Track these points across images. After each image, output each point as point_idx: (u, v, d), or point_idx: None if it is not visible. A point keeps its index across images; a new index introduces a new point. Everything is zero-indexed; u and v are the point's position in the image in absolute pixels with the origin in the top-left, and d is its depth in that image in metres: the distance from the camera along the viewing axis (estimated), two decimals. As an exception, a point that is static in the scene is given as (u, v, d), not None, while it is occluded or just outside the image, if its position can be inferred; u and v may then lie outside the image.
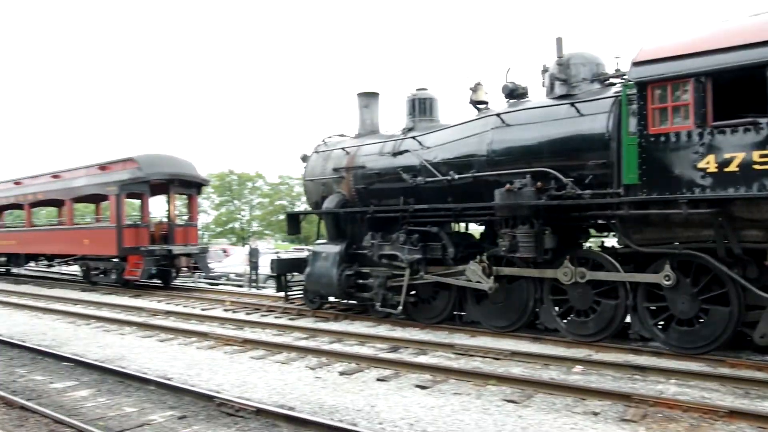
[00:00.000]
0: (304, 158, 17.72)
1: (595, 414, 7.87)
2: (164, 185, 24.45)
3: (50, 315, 17.55)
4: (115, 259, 23.68)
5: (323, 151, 17.12)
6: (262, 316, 16.43)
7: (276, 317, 16.13)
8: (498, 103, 14.13)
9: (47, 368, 10.98)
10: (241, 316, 16.45)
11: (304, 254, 18.39)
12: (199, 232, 26.06)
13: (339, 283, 15.45)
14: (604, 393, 8.44)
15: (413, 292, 14.61)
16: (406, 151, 14.69)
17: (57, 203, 30.31)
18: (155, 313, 17.22)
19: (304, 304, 17.12)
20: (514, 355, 10.75)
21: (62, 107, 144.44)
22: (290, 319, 15.74)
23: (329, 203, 16.12)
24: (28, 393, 9.30)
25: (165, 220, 25.19)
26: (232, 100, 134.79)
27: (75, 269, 30.37)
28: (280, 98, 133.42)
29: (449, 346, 11.54)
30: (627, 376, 9.49)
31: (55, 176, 26.91)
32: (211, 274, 27.34)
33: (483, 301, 13.52)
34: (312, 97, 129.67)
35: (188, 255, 23.50)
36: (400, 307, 14.39)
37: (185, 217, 26.04)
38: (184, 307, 18.67)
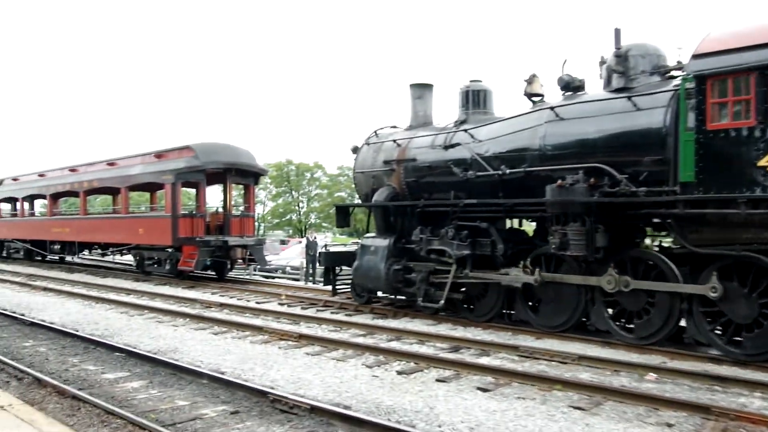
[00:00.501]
0: (355, 150, 17.92)
1: (670, 426, 7.71)
2: (221, 174, 24.89)
3: (103, 304, 18.10)
4: (169, 249, 24.24)
5: (374, 143, 17.29)
6: (318, 311, 16.61)
7: (332, 313, 16.29)
8: (553, 96, 14.04)
9: (99, 358, 11.33)
10: (297, 310, 16.66)
11: (354, 248, 18.62)
12: (256, 224, 26.43)
13: (387, 278, 15.67)
14: (680, 403, 8.26)
15: (463, 289, 14.76)
16: (458, 144, 14.76)
17: (112, 191, 31.20)
18: (209, 305, 17.58)
19: (351, 298, 17.42)
20: (582, 359, 10.63)
21: (122, 95, 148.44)
22: (347, 315, 15.89)
23: (379, 196, 16.31)
24: (80, 382, 9.62)
25: (221, 210, 25.67)
26: (292, 89, 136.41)
27: (128, 259, 31.21)
28: (340, 88, 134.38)
29: (513, 348, 11.48)
30: (705, 387, 9.27)
31: (111, 164, 27.65)
32: (266, 267, 27.76)
33: (532, 299, 13.57)
34: (372, 87, 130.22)
35: (244, 246, 23.90)
36: (442, 302, 14.56)
37: (241, 208, 26.48)
38: (239, 299, 18.99)
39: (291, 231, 74.03)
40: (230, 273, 25.65)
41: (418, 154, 15.70)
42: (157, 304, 17.95)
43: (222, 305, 17.35)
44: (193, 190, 26.47)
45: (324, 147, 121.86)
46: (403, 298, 16.34)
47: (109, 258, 34.50)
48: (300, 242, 39.44)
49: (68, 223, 30.54)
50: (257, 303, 18.13)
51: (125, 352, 11.48)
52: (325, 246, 19.57)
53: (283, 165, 74.71)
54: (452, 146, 14.87)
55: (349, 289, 17.92)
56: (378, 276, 15.80)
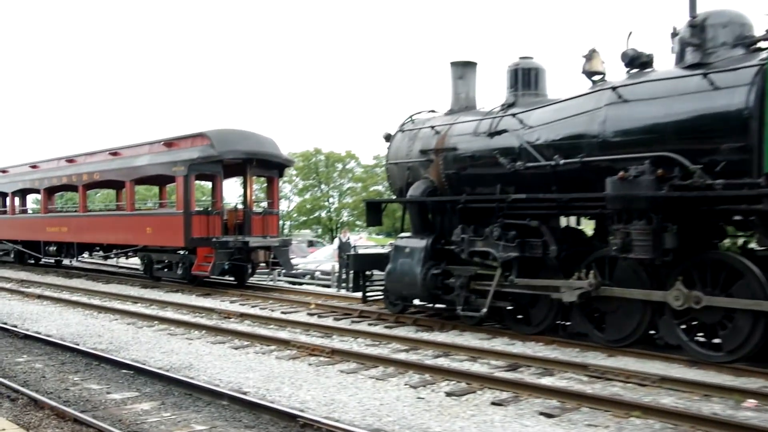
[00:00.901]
0: (388, 138, 18.06)
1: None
2: (240, 166, 25.16)
3: (107, 314, 18.40)
4: (181, 252, 24.59)
5: (409, 130, 17.40)
6: (353, 322, 16.71)
7: (369, 324, 16.37)
8: (616, 74, 13.94)
9: (104, 376, 11.50)
10: (329, 322, 16.77)
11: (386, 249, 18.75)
12: (280, 222, 26.62)
13: (423, 284, 15.80)
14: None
15: (510, 297, 14.83)
16: (505, 130, 14.76)
17: (115, 185, 31.66)
18: (228, 315, 17.78)
19: (384, 307, 17.59)
20: (664, 381, 10.52)
21: (128, 80, 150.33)
22: (387, 327, 15.95)
23: (414, 191, 16.40)
24: (83, 404, 9.76)
25: (240, 206, 25.90)
26: (319, 70, 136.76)
27: (135, 262, 31.69)
28: (375, 69, 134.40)
29: (581, 367, 11.42)
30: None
31: (114, 154, 28.07)
32: (293, 272, 27.96)
33: (590, 309, 13.52)
34: (411, 67, 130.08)
35: (267, 248, 24.09)
36: (484, 310, 14.64)
37: (264, 204, 26.69)
38: (262, 309, 19.18)
39: (320, 230, 74.36)
40: (251, 279, 25.91)
41: (459, 143, 15.77)
42: (169, 314, 18.20)
43: (242, 315, 17.53)
44: (208, 184, 26.82)
45: (357, 134, 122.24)
46: (443, 306, 16.45)
47: (113, 261, 34.97)
48: (324, 243, 39.58)
49: (65, 222, 31.09)
50: (283, 313, 18.30)
51: (133, 369, 11.65)
52: (354, 247, 19.69)
53: (310, 155, 74.88)
54: (498, 133, 14.89)
55: (381, 297, 18.11)
56: (414, 281, 15.93)
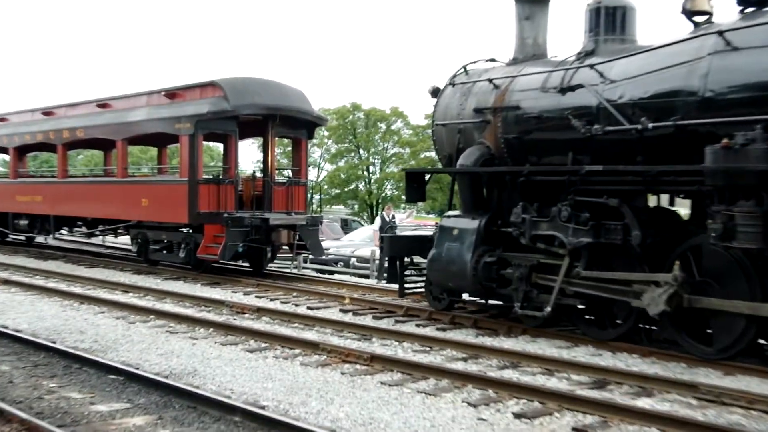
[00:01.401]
0: (435, 93, 18.13)
1: None
2: (260, 124, 25.28)
3: (90, 306, 18.59)
4: (184, 230, 24.78)
5: (462, 84, 17.43)
6: (398, 322, 16.74)
7: (418, 325, 16.38)
8: (726, 14, 13.64)
9: (87, 382, 11.56)
10: (367, 320, 16.83)
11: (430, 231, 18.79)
12: (308, 195, 26.67)
13: (474, 274, 15.89)
14: None
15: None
16: (580, 86, 14.70)
17: (103, 145, 31.90)
18: (241, 309, 17.88)
19: (425, 302, 17.82)
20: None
21: (121, 20, 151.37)
22: (439, 329, 15.94)
23: (466, 159, 16.45)
24: (60, 416, 9.78)
25: (259, 174, 25.95)
26: (358, 6, 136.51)
27: (126, 241, 31.92)
28: (429, 6, 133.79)
29: (689, 387, 11.27)
30: None
31: (103, 105, 28.27)
32: (323, 257, 28.01)
33: (682, 312, 13.33)
34: (470, 6, 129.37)
35: (291, 227, 24.18)
36: (548, 309, 14.67)
37: (288, 172, 26.73)
38: (283, 303, 19.28)
39: (357, 207, 74.48)
40: (271, 265, 26.00)
41: (522, 100, 15.79)
42: (168, 307, 18.36)
43: (259, 311, 17.62)
44: (219, 146, 26.90)
45: (406, 87, 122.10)
46: (499, 303, 16.60)
47: (99, 240, 35.30)
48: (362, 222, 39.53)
49: (40, 189, 31.42)
50: (310, 309, 18.38)
51: (124, 375, 11.70)
52: (390, 227, 19.69)
53: (347, 112, 74.64)
54: (572, 89, 14.85)
55: (422, 289, 18.27)
56: (462, 271, 16.03)
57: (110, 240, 35.44)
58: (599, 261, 14.32)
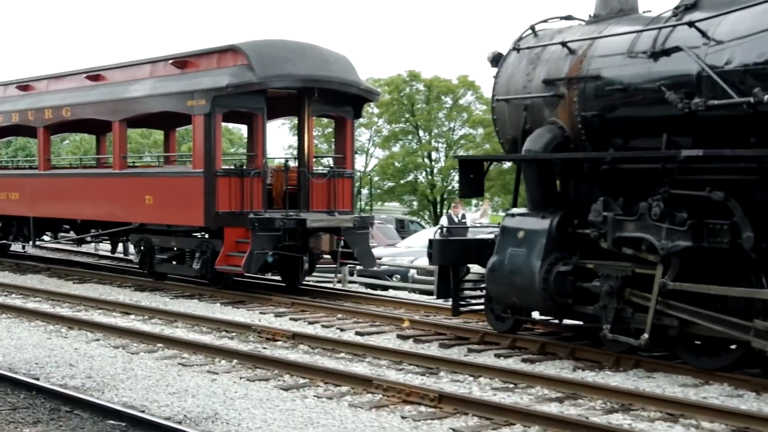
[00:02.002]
0: (496, 60, 18.20)
1: None
2: (293, 99, 25.38)
3: (82, 332, 18.69)
4: (199, 234, 24.97)
5: (529, 48, 17.51)
6: (472, 351, 16.71)
7: (498, 354, 16.35)
8: None
9: (79, 429, 11.66)
10: (433, 349, 16.84)
11: (488, 233, 18.82)
12: (355, 189, 26.67)
13: (544, 288, 15.89)
14: None
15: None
16: (677, 48, 14.60)
17: (96, 127, 32.19)
18: (272, 336, 17.92)
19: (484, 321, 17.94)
20: None
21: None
22: (525, 360, 15.91)
23: (534, 143, 16.52)
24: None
25: (293, 164, 26.04)
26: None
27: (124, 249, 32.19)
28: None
29: None
30: None
31: (95, 77, 28.46)
32: (374, 269, 27.98)
33: None
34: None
35: (334, 231, 24.24)
36: (645, 336, 14.49)
37: (329, 161, 26.76)
38: (325, 327, 19.36)
39: (416, 203, 74.40)
40: (309, 278, 26.09)
41: (604, 67, 15.79)
42: (179, 332, 18.48)
43: (295, 337, 17.65)
44: (242, 128, 27.01)
45: (477, 50, 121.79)
46: (576, 323, 16.65)
47: (90, 248, 35.60)
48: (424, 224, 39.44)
49: (16, 185, 31.66)
50: (359, 334, 18.44)
51: (126, 419, 11.75)
52: (441, 228, 19.66)
53: (403, 82, 74.54)
54: (666, 52, 14.78)
55: (482, 307, 18.39)
56: (529, 284, 16.06)
57: (105, 248, 35.73)
58: (699, 270, 14.27)
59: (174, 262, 25.94)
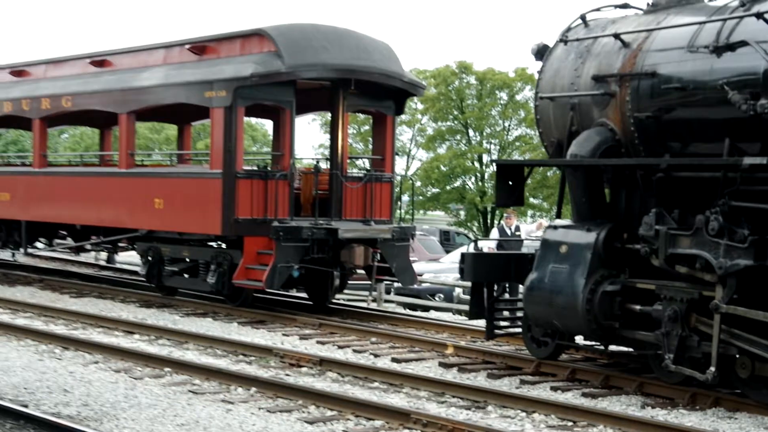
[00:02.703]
0: (541, 53, 18.35)
1: None
2: (326, 92, 25.50)
3: (79, 353, 18.76)
4: (215, 244, 25.06)
5: (577, 41, 17.58)
6: (525, 383, 16.69)
7: (554, 387, 16.30)
8: None
9: (76, 462, 11.76)
10: (480, 380, 16.84)
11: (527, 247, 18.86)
12: (395, 195, 26.69)
13: (588, 309, 15.96)
14: None
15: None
16: (743, 43, 14.61)
17: (100, 120, 32.36)
18: (297, 361, 17.94)
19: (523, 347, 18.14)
20: None
21: None
22: (586, 394, 15.87)
23: (581, 147, 16.56)
24: None
25: (325, 166, 26.09)
26: None
27: (130, 259, 32.32)
28: None
29: None
30: None
31: (99, 63, 28.65)
32: (415, 287, 27.91)
33: None
34: None
35: (370, 242, 24.28)
36: (712, 369, 14.42)
37: (366, 162, 26.77)
38: (358, 352, 19.39)
39: (464, 213, 74.35)
40: (340, 296, 26.11)
41: (662, 63, 15.82)
42: (191, 356, 18.55)
43: (323, 363, 17.67)
44: (267, 124, 27.05)
45: (536, 38, 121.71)
46: (627, 350, 16.73)
47: (90, 257, 35.72)
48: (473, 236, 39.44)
49: (7, 184, 31.76)
50: (395, 361, 18.45)
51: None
52: (475, 241, 19.69)
53: (451, 74, 74.44)
54: (731, 47, 14.78)
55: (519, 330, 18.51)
56: (572, 304, 16.15)
57: (104, 257, 35.86)
58: (762, 293, 14.28)
59: (186, 275, 25.99)
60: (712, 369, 14.45)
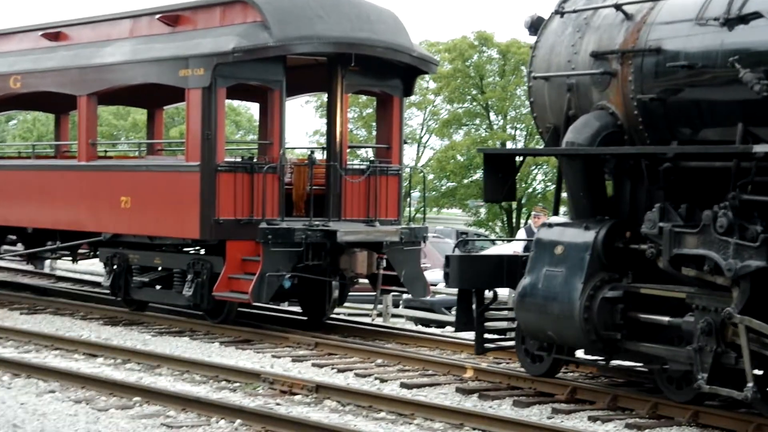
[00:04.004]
0: (535, 27, 18.57)
1: None
2: (322, 69, 25.59)
3: (32, 380, 18.72)
4: (193, 249, 25.14)
5: (576, 12, 17.72)
6: (557, 412, 16.67)
7: (592, 417, 16.25)
8: None
9: None
10: (504, 408, 16.86)
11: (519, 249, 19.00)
12: (403, 190, 26.75)
13: (586, 319, 16.12)
14: None
15: None
16: (757, 15, 14.69)
17: (55, 103, 32.40)
18: (289, 386, 17.94)
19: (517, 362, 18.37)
20: None
21: None
22: (629, 425, 15.78)
23: (578, 133, 16.75)
24: None
25: (320, 156, 26.13)
26: None
27: (91, 268, 32.37)
28: None
29: None
30: None
31: (54, 36, 28.72)
32: (427, 298, 27.90)
33: None
34: None
35: (375, 247, 24.34)
36: (750, 386, 14.41)
37: (369, 152, 26.81)
38: (360, 377, 19.43)
39: (485, 210, 74.41)
40: (339, 309, 26.13)
41: (667, 38, 15.99)
42: (164, 382, 18.57)
43: (319, 390, 17.66)
44: (252, 107, 27.10)
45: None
46: (632, 365, 17.10)
47: (45, 266, 35.76)
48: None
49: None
50: (405, 386, 18.49)
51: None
52: (463, 239, 19.77)
53: (469, 47, 74.59)
54: (742, 19, 14.85)
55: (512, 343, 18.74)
56: (568, 313, 16.33)
57: (64, 265, 35.92)
58: None
59: (158, 287, 26.07)
60: (750, 385, 14.40)
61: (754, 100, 14.41)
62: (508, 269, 18.58)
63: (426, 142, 77.45)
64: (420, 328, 27.21)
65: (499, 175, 18.71)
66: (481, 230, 60.06)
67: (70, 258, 30.59)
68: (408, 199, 25.65)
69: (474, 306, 19.12)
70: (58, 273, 36.51)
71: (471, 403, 17.22)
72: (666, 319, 15.78)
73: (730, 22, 14.92)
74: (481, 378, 19.16)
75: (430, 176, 72.96)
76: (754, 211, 14.37)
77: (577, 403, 17.26)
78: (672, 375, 15.85)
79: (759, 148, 14.13)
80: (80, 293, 31.19)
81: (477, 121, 75.55)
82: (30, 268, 36.19)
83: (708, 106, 15.45)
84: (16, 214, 29.13)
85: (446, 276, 19.03)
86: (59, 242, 28.63)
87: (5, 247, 31.80)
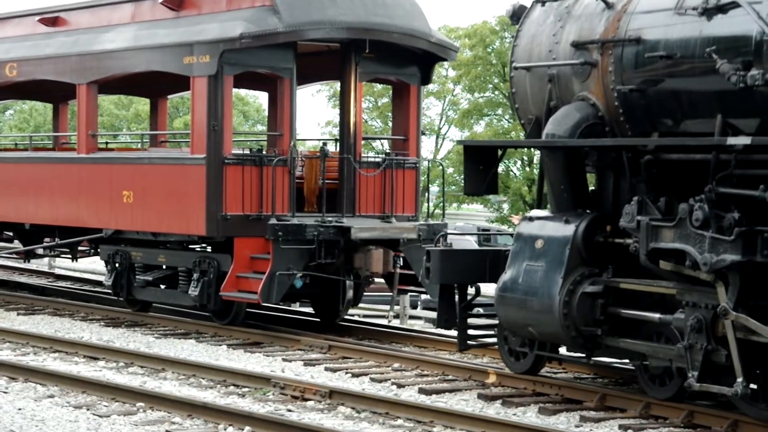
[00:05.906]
0: (517, 16, 18.66)
1: None
2: (335, 57, 25.57)
3: (29, 385, 18.70)
4: (199, 247, 25.14)
5: (557, 1, 17.89)
6: (585, 420, 16.50)
7: (623, 426, 16.13)
8: None
9: None
10: (530, 415, 16.77)
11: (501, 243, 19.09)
12: (421, 184, 26.73)
13: (566, 314, 16.27)
14: None
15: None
16: (734, 4, 14.83)
17: (53, 92, 32.46)
18: (300, 392, 17.89)
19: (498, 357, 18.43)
20: None
21: None
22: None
23: (558, 125, 16.91)
24: None
25: (333, 148, 26.10)
26: None
27: (92, 265, 32.37)
28: None
29: None
30: None
31: (52, 21, 28.72)
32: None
33: None
34: None
35: (391, 244, 24.32)
36: (739, 381, 14.49)
37: (385, 144, 26.80)
38: (376, 381, 19.38)
39: (508, 205, 74.41)
40: (354, 311, 26.15)
41: (647, 27, 16.16)
42: (169, 387, 18.55)
43: (333, 395, 17.62)
44: (261, 96, 27.02)
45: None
46: (612, 361, 17.34)
47: (42, 263, 35.80)
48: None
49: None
50: (424, 392, 18.42)
51: None
52: (444, 236, 19.77)
53: (490, 32, 74.60)
54: (721, 8, 15.00)
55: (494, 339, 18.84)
56: (547, 308, 16.47)
57: (62, 263, 35.93)
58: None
59: (162, 286, 26.04)
60: (740, 380, 14.50)
61: (732, 91, 14.56)
62: (491, 263, 18.70)
63: (445, 134, 77.45)
64: (439, 330, 27.10)
65: (480, 168, 18.82)
66: (504, 227, 59.87)
67: (69, 256, 30.57)
68: (426, 194, 25.31)
69: (457, 301, 19.28)
70: (57, 272, 36.48)
71: (494, 411, 17.15)
72: (657, 315, 15.88)
73: (709, 11, 15.14)
74: (505, 383, 19.05)
75: (450, 170, 72.94)
76: (731, 204, 14.49)
77: (606, 410, 17.21)
78: (653, 372, 16.07)
79: (733, 140, 14.31)
80: (80, 293, 31.16)
81: (499, 111, 75.64)
82: (29, 266, 36.21)
83: (687, 98, 15.64)
84: (13, 209, 29.12)
85: (426, 271, 19.14)
86: (58, 239, 28.57)
87: (1, 244, 31.71)
